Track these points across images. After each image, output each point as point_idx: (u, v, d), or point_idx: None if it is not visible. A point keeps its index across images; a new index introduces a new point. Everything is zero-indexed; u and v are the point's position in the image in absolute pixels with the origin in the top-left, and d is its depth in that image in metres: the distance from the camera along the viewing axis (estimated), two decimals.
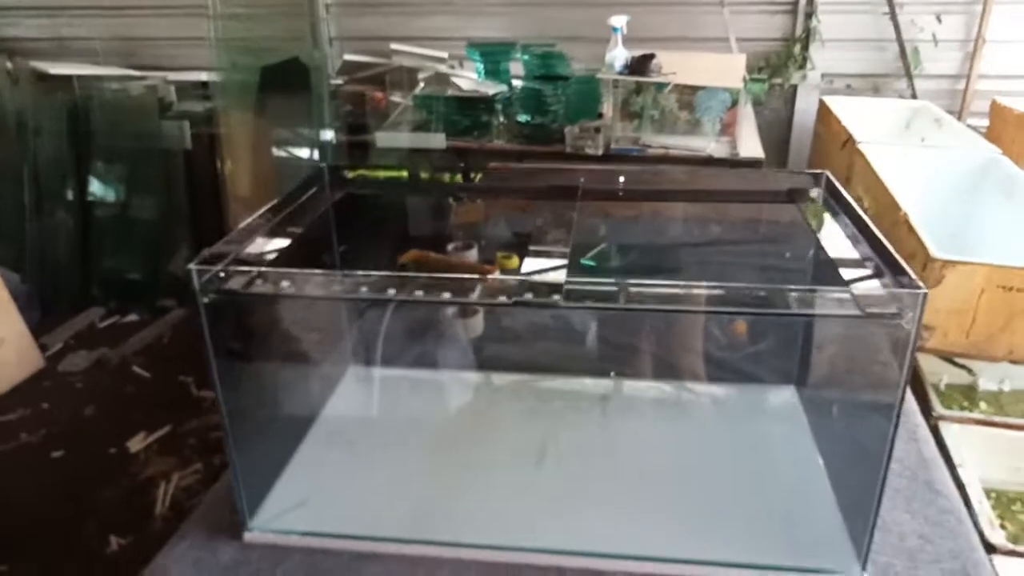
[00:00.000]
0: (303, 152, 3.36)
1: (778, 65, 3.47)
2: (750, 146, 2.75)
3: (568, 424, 1.30)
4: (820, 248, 1.06)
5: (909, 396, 1.34)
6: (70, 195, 3.43)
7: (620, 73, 2.69)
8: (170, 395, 2.75)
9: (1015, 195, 2.05)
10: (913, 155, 2.35)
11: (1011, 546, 1.27)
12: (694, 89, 2.69)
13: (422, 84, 3.24)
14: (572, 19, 3.51)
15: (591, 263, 1.53)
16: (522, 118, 2.98)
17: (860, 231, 0.99)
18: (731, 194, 1.30)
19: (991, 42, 3.28)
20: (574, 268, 1.01)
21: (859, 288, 0.87)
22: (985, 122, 2.93)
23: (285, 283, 0.93)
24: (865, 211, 2.04)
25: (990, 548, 1.25)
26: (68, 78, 3.45)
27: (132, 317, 3.36)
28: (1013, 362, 1.67)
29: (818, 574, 0.96)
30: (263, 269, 0.95)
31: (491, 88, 3.01)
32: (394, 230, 1.64)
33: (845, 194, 1.09)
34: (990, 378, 1.79)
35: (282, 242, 1.11)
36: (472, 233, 1.71)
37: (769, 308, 0.85)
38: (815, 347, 1.24)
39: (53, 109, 3.38)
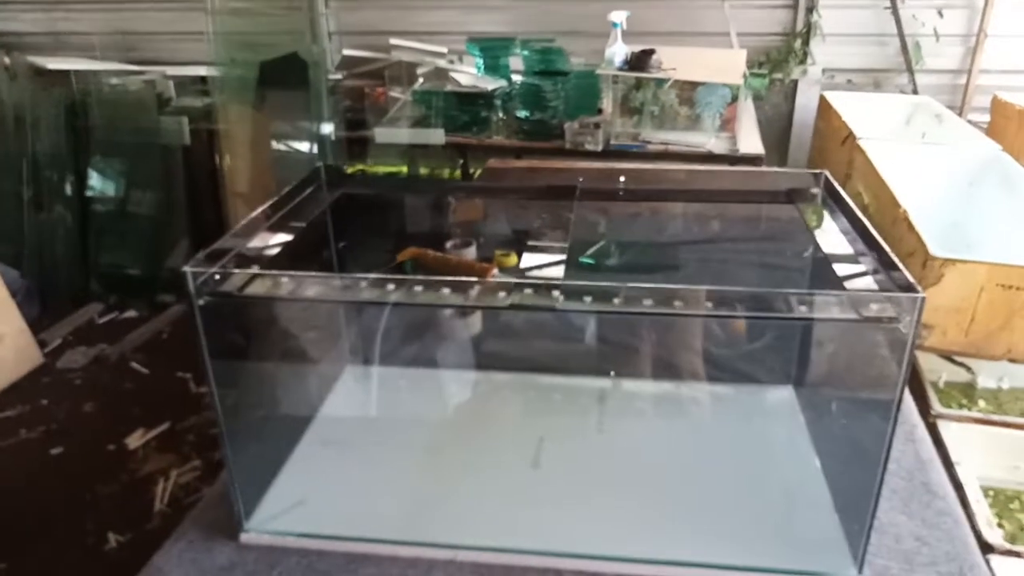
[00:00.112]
0: (302, 148, 3.36)
1: (779, 60, 3.46)
2: (750, 142, 2.74)
3: (565, 424, 1.30)
4: (818, 249, 1.05)
5: (907, 396, 1.33)
6: (69, 191, 3.42)
7: (620, 69, 2.67)
8: (169, 391, 2.76)
9: (1015, 191, 2.04)
10: (913, 151, 2.34)
11: (1008, 546, 1.27)
12: (694, 85, 2.68)
13: (421, 79, 3.23)
14: (572, 14, 3.50)
15: (589, 261, 1.52)
16: (521, 114, 2.97)
17: (859, 232, 0.98)
18: (729, 194, 1.29)
19: (993, 37, 3.26)
20: (572, 267, 1.01)
21: (857, 292, 0.86)
22: (986, 117, 2.92)
23: (280, 285, 0.92)
24: (865, 208, 2.05)
25: (987, 548, 1.25)
26: (66, 73, 3.44)
27: (131, 313, 3.36)
28: (1012, 361, 1.67)
29: None
30: (258, 272, 0.94)
31: (490, 83, 3.00)
32: (392, 228, 1.63)
33: (844, 194, 1.08)
34: (989, 376, 1.78)
35: (278, 242, 1.11)
36: (470, 231, 1.70)
37: (766, 311, 0.85)
38: (813, 347, 1.23)
39: (51, 104, 3.37)
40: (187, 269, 0.89)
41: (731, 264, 1.36)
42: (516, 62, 3.11)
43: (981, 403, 1.75)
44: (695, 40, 3.36)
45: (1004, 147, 2.26)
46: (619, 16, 2.68)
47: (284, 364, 1.27)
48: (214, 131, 3.33)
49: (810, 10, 3.39)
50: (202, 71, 3.52)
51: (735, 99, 2.72)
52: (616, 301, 0.86)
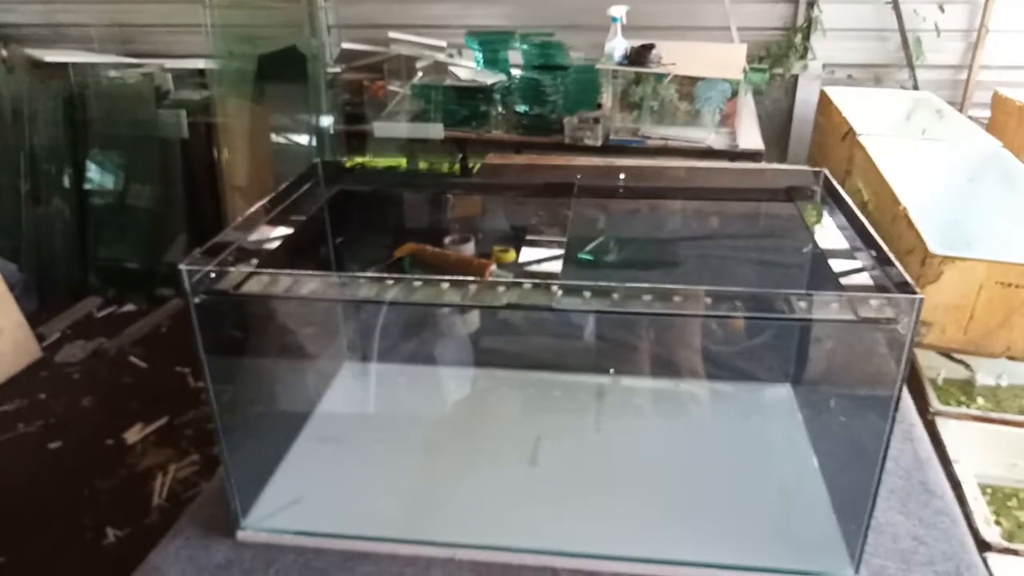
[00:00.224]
0: (301, 141, 3.35)
1: (779, 55, 3.44)
2: (750, 137, 2.73)
3: (562, 421, 1.30)
4: (817, 248, 1.05)
5: (905, 395, 1.33)
6: (67, 184, 3.41)
7: (619, 63, 2.66)
8: (167, 386, 2.75)
9: (1015, 188, 2.04)
10: (913, 148, 2.33)
11: (1006, 544, 1.27)
12: (694, 80, 2.67)
13: (420, 73, 3.21)
14: (571, 7, 3.48)
15: (588, 257, 1.52)
16: (521, 108, 2.96)
17: (857, 232, 0.98)
18: (728, 192, 1.29)
19: (994, 32, 3.25)
20: (570, 263, 1.00)
21: (855, 292, 0.86)
22: (987, 113, 2.91)
23: (276, 283, 0.92)
24: (864, 204, 2.04)
25: (985, 546, 1.25)
26: (64, 66, 3.43)
27: (129, 307, 3.36)
28: (1011, 358, 1.67)
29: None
30: (254, 270, 0.94)
31: (490, 77, 2.98)
32: (390, 223, 1.63)
33: (843, 193, 1.08)
34: (988, 373, 1.78)
35: (275, 239, 1.11)
36: (469, 226, 1.69)
37: (764, 311, 0.85)
38: (811, 346, 1.23)
39: (49, 97, 3.36)
40: (183, 267, 0.88)
41: (729, 263, 1.36)
42: (515, 56, 3.10)
43: (980, 400, 1.75)
44: (695, 35, 3.34)
45: (1005, 143, 2.25)
46: (619, 11, 2.67)
47: (281, 361, 1.27)
48: (212, 124, 3.32)
49: (811, 5, 3.37)
50: (200, 64, 3.51)
51: (735, 94, 2.71)
52: (614, 298, 0.86)
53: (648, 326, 1.30)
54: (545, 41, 2.98)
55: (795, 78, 3.48)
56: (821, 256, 1.02)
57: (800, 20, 3.42)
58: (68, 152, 3.40)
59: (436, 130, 2.95)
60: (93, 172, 3.41)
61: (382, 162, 3.31)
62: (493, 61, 3.12)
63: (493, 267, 1.49)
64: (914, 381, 1.67)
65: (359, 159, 3.33)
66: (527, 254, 1.06)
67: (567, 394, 1.37)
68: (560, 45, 2.95)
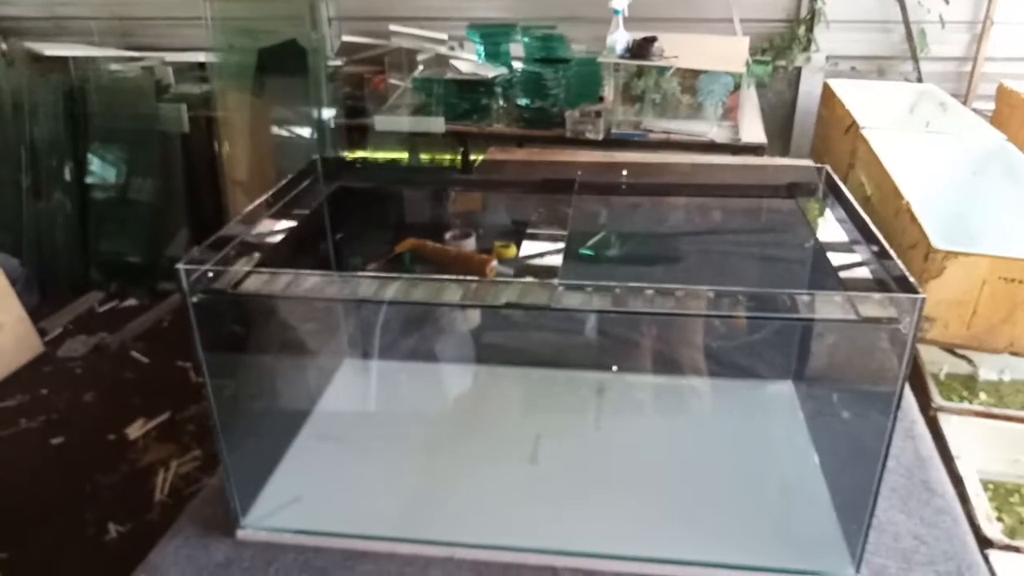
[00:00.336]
0: (301, 135, 3.34)
1: (782, 47, 3.43)
2: (752, 131, 2.71)
3: (563, 419, 1.29)
4: (818, 246, 1.04)
5: (907, 392, 1.33)
6: (68, 178, 3.41)
7: (621, 56, 2.65)
8: (169, 381, 2.75)
9: (1019, 182, 2.02)
10: (917, 141, 2.32)
11: (1007, 540, 1.27)
12: (696, 73, 2.66)
13: (421, 66, 3.20)
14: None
15: (589, 252, 1.52)
16: (522, 102, 2.94)
17: (859, 229, 0.97)
18: (729, 188, 1.28)
19: (999, 24, 3.23)
20: (571, 258, 1.00)
21: (856, 292, 0.85)
22: (991, 105, 2.89)
23: (274, 282, 0.91)
24: (867, 199, 2.03)
25: (987, 543, 1.24)
26: (64, 60, 3.41)
27: (131, 301, 3.35)
28: (1014, 354, 1.66)
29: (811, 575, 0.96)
30: (252, 269, 0.93)
31: (491, 71, 2.97)
32: (390, 219, 1.62)
33: (845, 189, 1.07)
34: (990, 368, 1.78)
35: (275, 237, 1.10)
36: (470, 221, 1.69)
37: (766, 310, 0.84)
38: (813, 343, 1.22)
39: (49, 91, 3.35)
40: (180, 266, 0.88)
41: (730, 261, 1.35)
42: (517, 49, 3.08)
43: (982, 395, 1.74)
44: (698, 27, 3.33)
45: (1009, 136, 2.24)
46: (621, 3, 2.65)
47: (281, 358, 1.27)
48: (213, 118, 3.31)
49: None
50: (201, 57, 3.50)
51: (737, 87, 2.70)
52: (615, 297, 0.86)
53: (649, 323, 1.29)
54: (547, 34, 2.97)
55: (798, 70, 3.46)
56: (823, 254, 1.01)
57: (803, 12, 3.40)
58: (69, 146, 3.39)
59: (437, 124, 2.94)
60: (94, 166, 3.40)
61: (383, 156, 3.31)
62: (494, 54, 3.10)
63: (494, 263, 1.48)
64: (916, 376, 1.67)
65: (360, 153, 3.33)
66: (528, 250, 1.05)
67: (567, 391, 1.36)
68: (562, 38, 2.94)
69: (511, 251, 1.51)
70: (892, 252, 0.87)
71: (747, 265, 1.36)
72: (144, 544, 1.02)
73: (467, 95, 2.96)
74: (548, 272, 0.96)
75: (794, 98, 3.52)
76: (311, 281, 0.94)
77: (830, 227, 1.06)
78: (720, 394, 1.32)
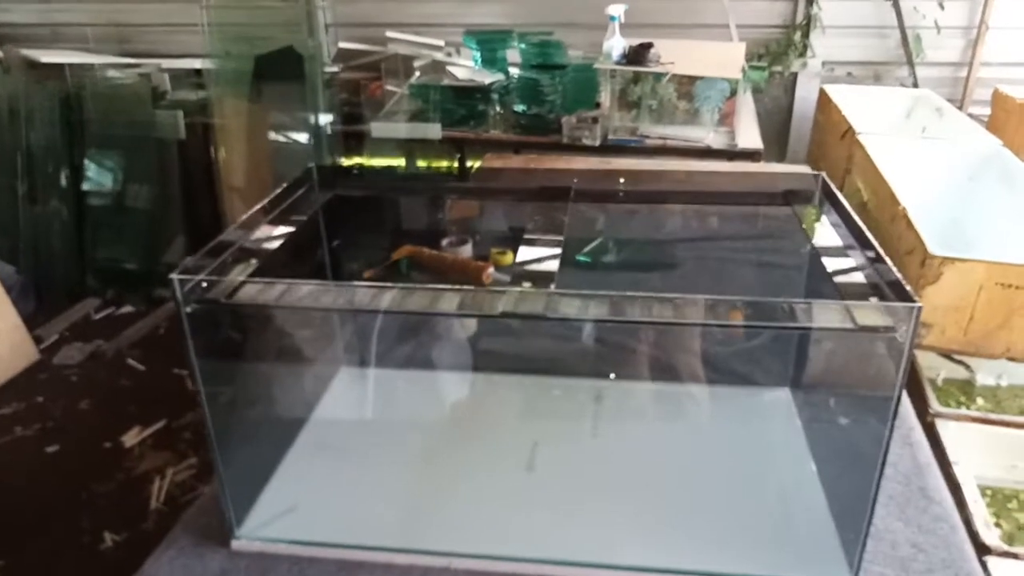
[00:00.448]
0: (298, 142, 3.34)
1: (778, 52, 3.44)
2: (749, 136, 2.72)
3: (560, 427, 1.29)
4: (815, 254, 1.04)
5: (904, 398, 1.32)
6: (64, 185, 3.40)
7: (618, 62, 2.65)
8: (165, 388, 2.75)
9: (1015, 187, 2.03)
10: (913, 146, 2.32)
11: (1005, 547, 1.27)
12: (692, 79, 2.66)
13: (418, 72, 3.20)
14: (569, 5, 3.46)
15: (586, 259, 1.51)
16: (519, 108, 2.94)
17: (856, 237, 0.97)
18: (725, 196, 1.28)
19: (994, 29, 3.24)
20: (567, 266, 1.00)
21: (853, 300, 0.85)
22: (987, 111, 2.90)
23: (268, 292, 0.91)
24: (864, 204, 2.03)
25: (985, 550, 1.24)
26: (60, 66, 3.41)
27: (127, 308, 3.35)
28: (1011, 359, 1.66)
29: None
30: (246, 279, 0.93)
31: (487, 77, 2.97)
32: (387, 226, 1.62)
33: (841, 197, 1.07)
34: (988, 373, 1.78)
35: (270, 246, 1.10)
36: (466, 228, 1.69)
37: (762, 319, 0.84)
38: (810, 351, 1.22)
39: (45, 98, 3.35)
40: (174, 276, 0.88)
41: (726, 269, 1.35)
42: (513, 55, 3.09)
43: (980, 401, 1.74)
44: (694, 32, 3.33)
45: (1005, 141, 2.24)
46: (617, 9, 2.66)
47: (276, 367, 1.26)
48: (210, 125, 3.31)
49: (810, 2, 3.36)
50: (197, 64, 3.50)
51: (734, 93, 2.70)
52: (611, 306, 0.86)
53: (646, 330, 1.29)
54: (543, 40, 2.97)
55: (794, 76, 3.47)
56: (819, 261, 1.01)
57: (799, 17, 3.41)
58: (65, 153, 3.39)
59: (434, 130, 2.94)
60: (90, 173, 3.40)
61: (380, 162, 3.31)
62: (491, 60, 3.11)
63: (490, 269, 1.48)
64: (913, 382, 1.67)
65: (357, 159, 3.33)
66: (524, 256, 1.05)
67: (564, 399, 1.36)
68: (558, 44, 2.94)
69: (508, 258, 1.50)
70: (888, 260, 0.87)
71: (743, 273, 1.36)
72: (139, 553, 1.01)
73: (464, 101, 2.96)
74: (545, 278, 0.96)
75: (790, 104, 3.53)
76: (305, 291, 0.94)
77: (826, 234, 1.06)
78: (717, 401, 1.31)
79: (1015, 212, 1.96)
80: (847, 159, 2.35)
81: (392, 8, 3.73)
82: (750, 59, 3.32)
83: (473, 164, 3.12)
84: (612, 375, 1.35)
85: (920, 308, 0.77)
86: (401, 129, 3.02)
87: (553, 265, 1.00)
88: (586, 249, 1.50)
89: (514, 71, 3.06)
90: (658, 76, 2.66)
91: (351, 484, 1.15)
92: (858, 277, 0.92)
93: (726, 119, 2.73)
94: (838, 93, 2.79)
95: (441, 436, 1.27)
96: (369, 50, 3.45)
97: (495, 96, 3.01)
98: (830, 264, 0.98)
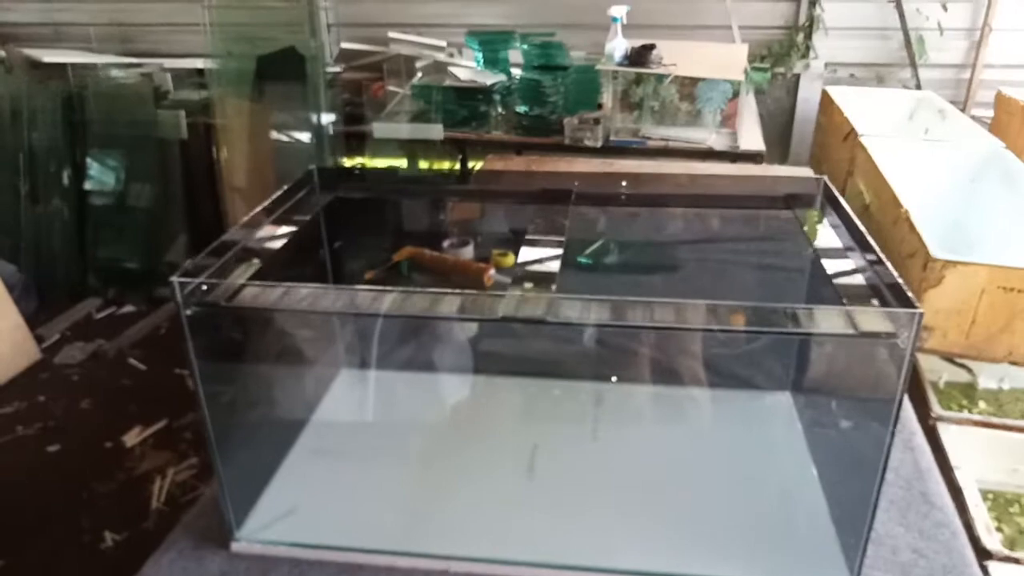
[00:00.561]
0: (300, 142, 3.34)
1: (781, 54, 3.43)
2: (751, 138, 2.72)
3: (561, 430, 1.29)
4: (816, 258, 1.04)
5: (906, 402, 1.32)
6: (66, 184, 3.40)
7: (620, 64, 2.65)
8: (166, 388, 2.75)
9: (1017, 189, 2.02)
10: (915, 148, 2.32)
11: (1007, 552, 1.26)
12: (695, 80, 2.66)
13: (420, 73, 3.20)
14: (572, 6, 3.47)
15: (587, 260, 1.51)
16: (521, 109, 2.94)
17: (857, 242, 0.97)
18: (726, 199, 1.28)
19: (997, 31, 3.23)
20: (568, 268, 1.00)
21: (854, 306, 0.85)
22: (990, 113, 2.89)
23: (268, 296, 0.91)
24: (866, 207, 2.03)
25: (986, 554, 1.24)
26: (63, 66, 3.42)
27: (129, 308, 3.35)
28: (1013, 363, 1.65)
29: None
30: (246, 283, 0.93)
31: (489, 78, 2.97)
32: (388, 228, 1.62)
33: (843, 201, 1.07)
34: (990, 376, 1.77)
35: (271, 248, 1.10)
36: (468, 230, 1.69)
37: (763, 325, 0.84)
38: (811, 354, 1.22)
39: (48, 98, 3.35)
40: (175, 279, 0.88)
41: (727, 274, 1.35)
42: (516, 56, 3.08)
43: (982, 404, 1.74)
44: (696, 34, 3.33)
45: (1007, 143, 2.24)
46: (619, 11, 2.66)
47: (277, 369, 1.26)
48: (211, 125, 3.31)
49: (813, 3, 3.36)
50: (199, 64, 3.50)
51: (736, 94, 2.70)
52: (612, 311, 0.85)
53: (647, 334, 1.29)
54: (545, 41, 2.97)
55: (797, 77, 3.47)
56: (820, 267, 1.00)
57: (802, 19, 3.41)
58: (67, 152, 3.39)
59: (436, 131, 2.94)
60: (92, 172, 3.40)
61: (382, 163, 3.31)
62: (493, 61, 3.11)
63: (492, 271, 1.48)
64: (915, 385, 1.66)
65: (359, 159, 3.33)
66: (525, 258, 1.05)
67: (564, 402, 1.36)
68: (560, 45, 2.94)
69: (509, 260, 1.50)
70: (890, 265, 0.86)
71: (744, 277, 1.36)
72: (140, 553, 1.01)
73: (466, 102, 2.96)
74: (546, 280, 0.96)
75: (793, 105, 3.53)
76: (306, 294, 0.94)
77: (828, 239, 1.06)
78: (718, 405, 1.31)
79: (1017, 214, 1.96)
80: (849, 161, 2.35)
81: (394, 8, 3.73)
82: (752, 60, 3.32)
83: (475, 165, 3.13)
84: (613, 378, 1.34)
85: (922, 314, 0.76)
86: (403, 130, 3.02)
87: (554, 267, 1.00)
88: (587, 251, 1.50)
89: (516, 72, 3.06)
90: (660, 77, 2.66)
91: (351, 486, 1.15)
92: (859, 282, 0.91)
93: (728, 121, 2.73)
94: (840, 95, 2.79)
95: (441, 438, 1.27)
96: (371, 50, 3.45)
97: (497, 97, 3.00)
98: (831, 269, 0.97)
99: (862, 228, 0.98)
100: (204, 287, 0.90)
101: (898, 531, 1.02)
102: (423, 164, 3.33)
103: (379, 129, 3.04)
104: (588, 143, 2.72)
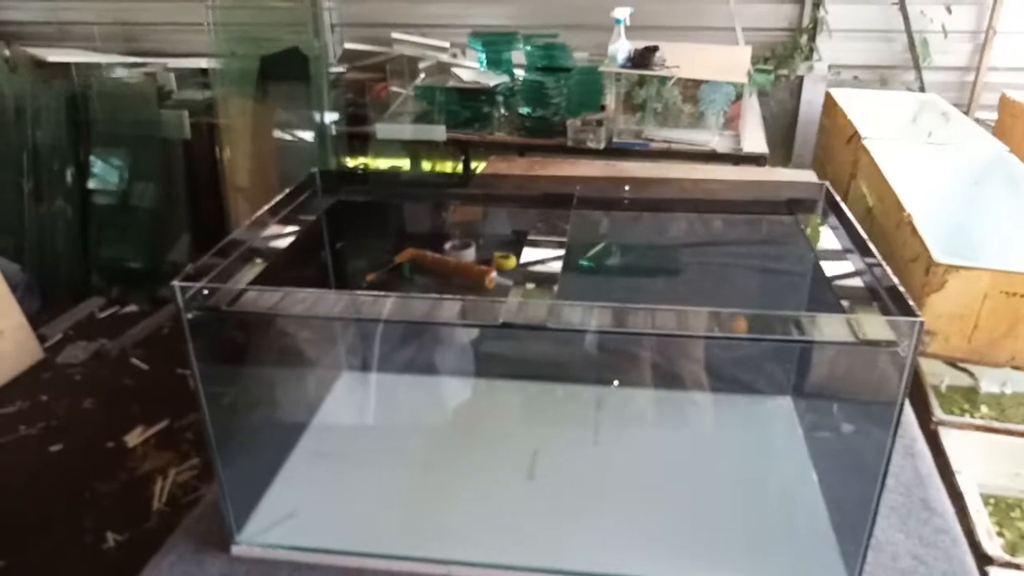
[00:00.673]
0: (303, 142, 3.34)
1: (784, 56, 3.43)
2: (754, 140, 2.71)
3: (561, 434, 1.29)
4: (818, 265, 1.04)
5: (907, 409, 1.32)
6: (69, 183, 3.41)
7: (623, 66, 2.65)
8: (169, 388, 2.75)
9: (1021, 192, 2.02)
10: (919, 151, 2.31)
11: (1008, 558, 1.26)
12: (698, 82, 2.65)
13: (423, 74, 3.20)
14: (575, 7, 3.46)
15: (589, 263, 1.51)
16: (524, 110, 2.94)
17: (859, 248, 0.97)
18: (728, 204, 1.28)
19: (1002, 33, 3.22)
20: (569, 271, 1.00)
21: (855, 313, 0.85)
22: (994, 115, 2.88)
23: (270, 300, 0.91)
24: (869, 210, 2.02)
25: (986, 560, 1.23)
26: (67, 65, 3.43)
27: (132, 308, 3.35)
28: (1016, 368, 1.65)
29: None
30: (247, 287, 0.93)
31: (492, 79, 2.97)
32: (390, 230, 1.62)
33: (844, 207, 1.07)
34: (992, 380, 1.77)
35: (272, 252, 1.10)
36: (470, 232, 1.69)
37: (764, 332, 0.83)
38: (812, 360, 1.22)
39: (52, 97, 3.36)
40: (176, 283, 0.88)
41: (728, 279, 1.35)
42: (519, 57, 3.09)
43: (983, 408, 1.74)
44: (700, 35, 3.33)
45: (1011, 146, 2.23)
46: (622, 12, 2.65)
47: (278, 372, 1.26)
48: (215, 125, 3.32)
49: (817, 5, 3.35)
50: (203, 64, 3.51)
51: (739, 96, 2.69)
52: (613, 317, 0.85)
53: (649, 339, 1.28)
54: (548, 42, 2.97)
55: (800, 79, 3.46)
56: (821, 272, 1.00)
57: (806, 21, 3.40)
58: (71, 152, 3.40)
59: (438, 132, 2.95)
60: (96, 172, 3.41)
61: (384, 163, 3.31)
62: (496, 62, 3.11)
63: (493, 273, 1.48)
64: (917, 389, 1.66)
65: (361, 160, 3.33)
66: (527, 261, 1.05)
67: (565, 405, 1.36)
68: (563, 46, 2.94)
69: (511, 262, 1.50)
70: (891, 273, 0.86)
71: (746, 282, 1.35)
72: (142, 553, 1.01)
73: (469, 103, 2.96)
74: (547, 283, 0.96)
75: (796, 107, 3.52)
76: (306, 298, 0.94)
77: (829, 245, 1.06)
78: (719, 409, 1.31)
79: (1021, 218, 1.95)
80: (853, 164, 2.34)
81: (398, 9, 3.74)
82: (756, 62, 3.31)
83: (477, 166, 3.12)
84: (615, 382, 1.34)
85: (923, 322, 0.76)
86: (406, 130, 3.02)
87: (556, 269, 1.00)
88: (589, 254, 1.50)
89: (519, 73, 3.06)
90: (663, 79, 2.66)
91: (352, 490, 1.15)
92: (861, 289, 0.91)
93: (731, 123, 2.73)
94: (844, 97, 2.78)
95: (442, 442, 1.27)
96: (374, 51, 3.45)
97: (500, 98, 3.01)
98: (833, 277, 0.97)
99: (863, 235, 0.98)
100: (205, 291, 0.90)
101: (898, 537, 1.02)
102: (426, 165, 3.34)
103: (382, 130, 3.04)
104: (591, 145, 2.72)
